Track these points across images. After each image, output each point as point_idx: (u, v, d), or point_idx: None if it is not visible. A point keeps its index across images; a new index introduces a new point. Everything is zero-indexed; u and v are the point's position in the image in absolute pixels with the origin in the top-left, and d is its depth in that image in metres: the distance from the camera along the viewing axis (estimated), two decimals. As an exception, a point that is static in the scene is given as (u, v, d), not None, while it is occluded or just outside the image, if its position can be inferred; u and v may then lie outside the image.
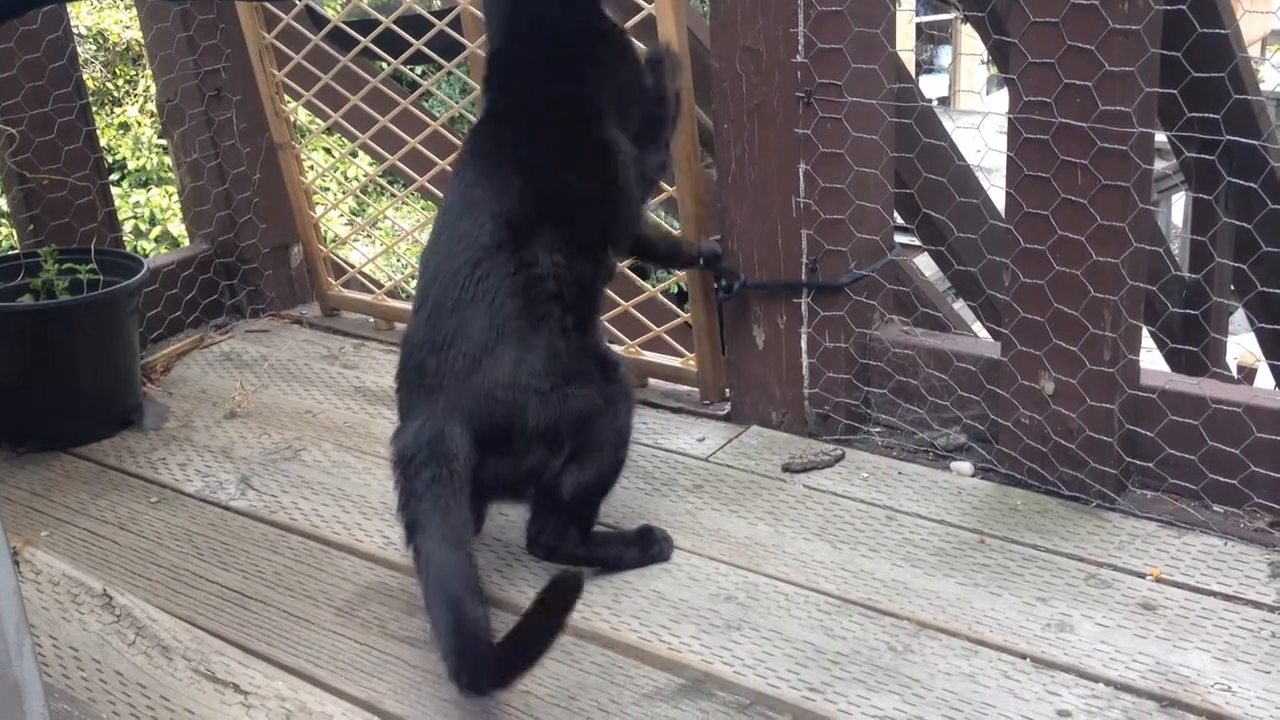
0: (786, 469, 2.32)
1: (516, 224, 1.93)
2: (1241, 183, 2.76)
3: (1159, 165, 2.94)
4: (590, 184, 2.01)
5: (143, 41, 3.27)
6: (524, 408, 1.88)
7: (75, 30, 3.43)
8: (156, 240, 8.05)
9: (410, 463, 1.85)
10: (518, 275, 1.91)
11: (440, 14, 2.71)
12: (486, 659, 1.67)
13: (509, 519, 2.16)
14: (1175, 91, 2.00)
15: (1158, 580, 1.92)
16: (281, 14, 2.88)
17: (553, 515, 2.00)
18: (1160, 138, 2.29)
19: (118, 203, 6.69)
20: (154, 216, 8.12)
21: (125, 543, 2.24)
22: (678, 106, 2.24)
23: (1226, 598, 1.87)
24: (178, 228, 7.76)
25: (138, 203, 8.17)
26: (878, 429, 2.40)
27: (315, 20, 2.94)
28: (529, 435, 1.89)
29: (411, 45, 2.71)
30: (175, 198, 7.63)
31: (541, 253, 1.93)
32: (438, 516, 1.80)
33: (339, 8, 3.04)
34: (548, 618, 1.67)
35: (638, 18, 2.39)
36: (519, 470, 1.92)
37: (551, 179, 1.98)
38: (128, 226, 7.83)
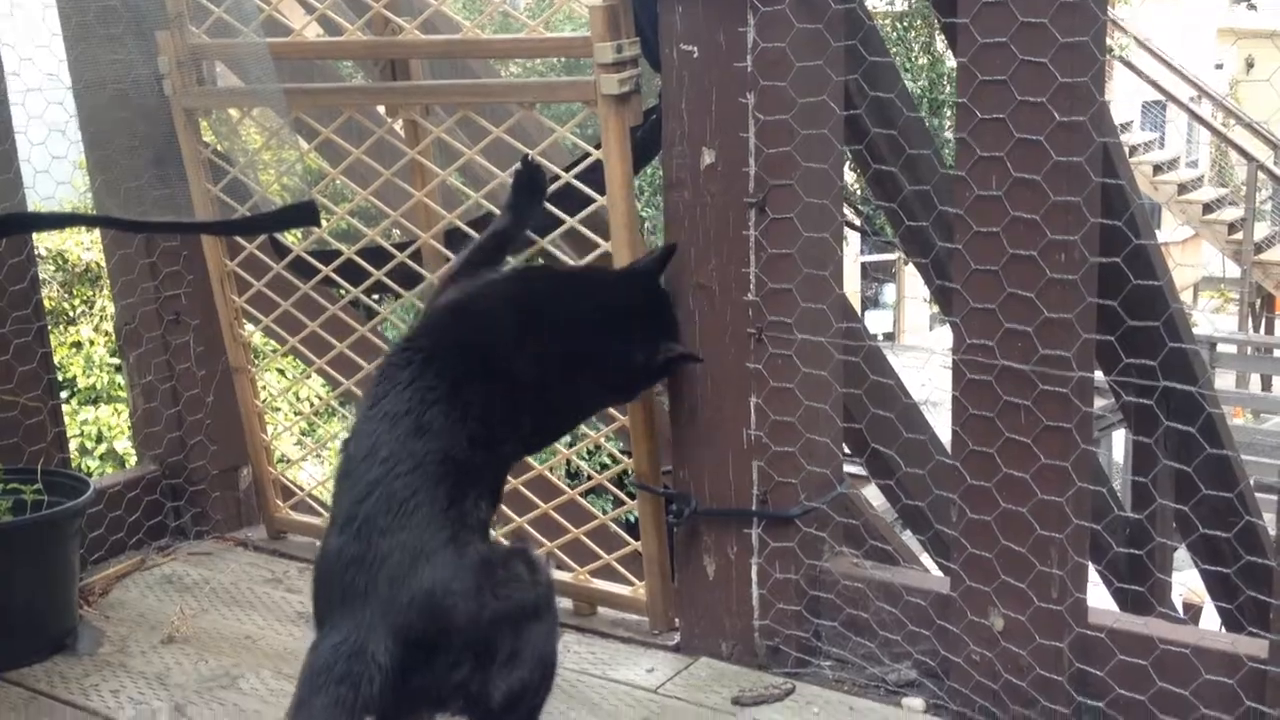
0: (736, 702, 2.29)
1: (467, 482, 1.98)
2: (1179, 427, 2.83)
3: (1099, 403, 3.01)
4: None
5: (103, 264, 3.32)
6: (453, 618, 1.87)
7: (37, 252, 3.48)
8: (101, 458, 7.96)
9: (318, 676, 1.83)
10: (453, 515, 1.94)
11: (401, 246, 2.78)
12: None
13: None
14: (1113, 338, 2.08)
15: (1113, 825, 1.89)
16: (245, 243, 2.94)
17: None
18: (1100, 376, 2.36)
19: (66, 419, 6.65)
20: (101, 434, 8.06)
21: (50, 774, 2.15)
22: None
23: (1182, 845, 1.84)
24: (124, 445, 7.69)
25: (85, 420, 8.11)
26: (828, 662, 2.38)
27: (277, 249, 3.00)
28: (459, 646, 1.88)
29: (371, 274, 2.77)
30: (123, 415, 7.59)
31: (478, 504, 2.00)
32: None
33: (300, 237, 3.11)
34: None
35: (594, 254, 2.46)
36: (448, 682, 1.89)
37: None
38: (74, 444, 7.75)
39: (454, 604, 1.87)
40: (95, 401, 8.33)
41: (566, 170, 2.45)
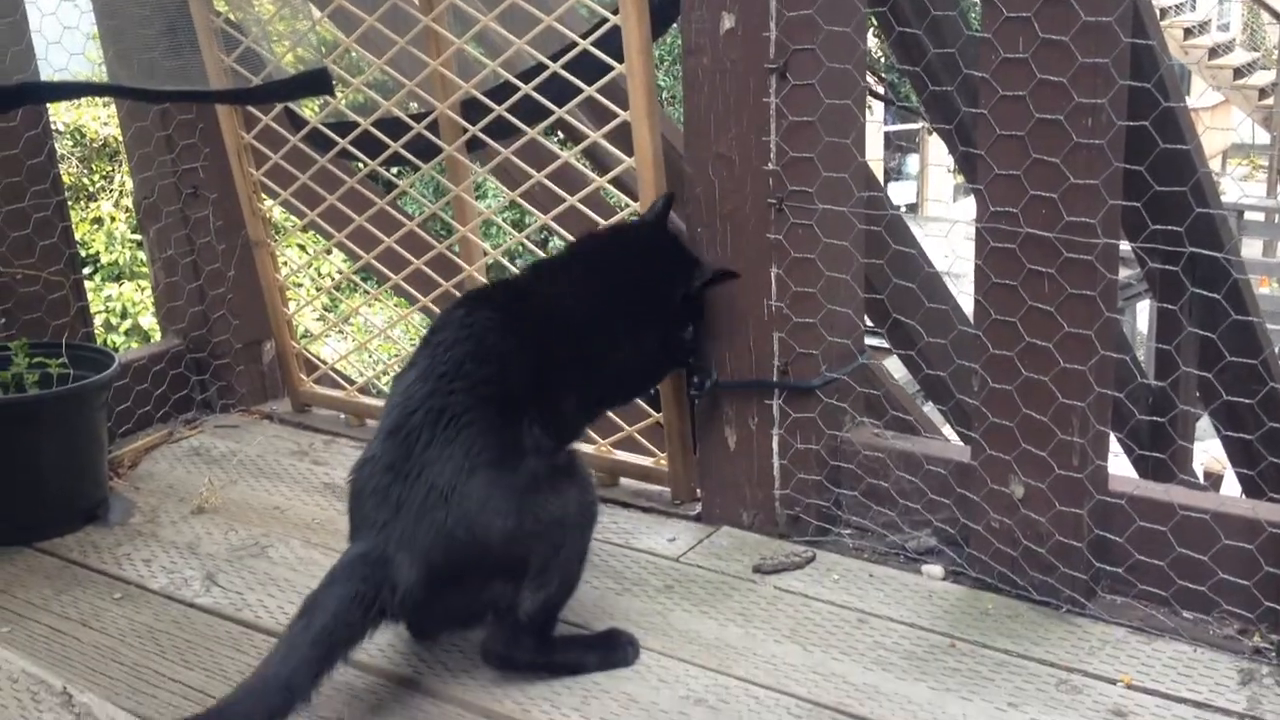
0: (757, 570, 2.32)
1: (522, 409, 1.97)
2: (1205, 293, 2.81)
3: (1124, 273, 2.98)
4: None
5: (120, 138, 3.29)
6: (488, 535, 1.87)
7: (53, 127, 3.46)
8: (127, 334, 8.03)
9: (339, 571, 1.87)
10: (504, 440, 1.93)
11: (418, 117, 2.75)
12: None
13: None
14: (1139, 204, 2.05)
15: (1129, 687, 1.92)
16: (261, 114, 2.92)
17: (506, 627, 1.97)
18: (1125, 247, 2.34)
19: (90, 296, 6.68)
20: (125, 310, 8.12)
21: (87, 640, 2.20)
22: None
23: (1197, 705, 1.87)
24: (149, 321, 7.75)
25: (110, 296, 8.16)
26: (849, 531, 2.40)
27: (294, 121, 2.97)
28: (491, 564, 1.89)
29: (389, 147, 2.74)
30: (147, 292, 7.64)
31: (532, 431, 1.97)
32: (329, 625, 1.81)
33: (317, 109, 3.08)
34: None
35: (612, 124, 2.43)
36: (478, 599, 1.91)
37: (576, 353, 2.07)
38: (99, 320, 7.82)
39: (490, 522, 1.87)
40: (119, 278, 8.38)
41: (584, 37, 2.40)
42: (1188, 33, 13.36)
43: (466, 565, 1.88)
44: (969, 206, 2.19)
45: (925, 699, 1.91)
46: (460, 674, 2.04)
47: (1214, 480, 4.99)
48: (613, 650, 2.05)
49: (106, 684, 2.06)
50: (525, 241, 2.96)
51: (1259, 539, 1.96)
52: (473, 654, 2.09)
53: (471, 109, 2.65)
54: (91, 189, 8.67)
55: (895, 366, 4.60)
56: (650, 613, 2.20)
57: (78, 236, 7.03)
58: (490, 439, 1.90)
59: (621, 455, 2.68)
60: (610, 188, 2.65)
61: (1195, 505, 2.03)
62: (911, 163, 17.98)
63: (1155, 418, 3.65)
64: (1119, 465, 2.35)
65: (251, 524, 2.62)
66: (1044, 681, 1.94)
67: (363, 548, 1.88)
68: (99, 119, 8.66)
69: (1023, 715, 1.86)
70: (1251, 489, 3.66)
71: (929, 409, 4.29)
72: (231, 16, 2.88)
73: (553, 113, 2.52)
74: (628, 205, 2.53)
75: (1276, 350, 3.66)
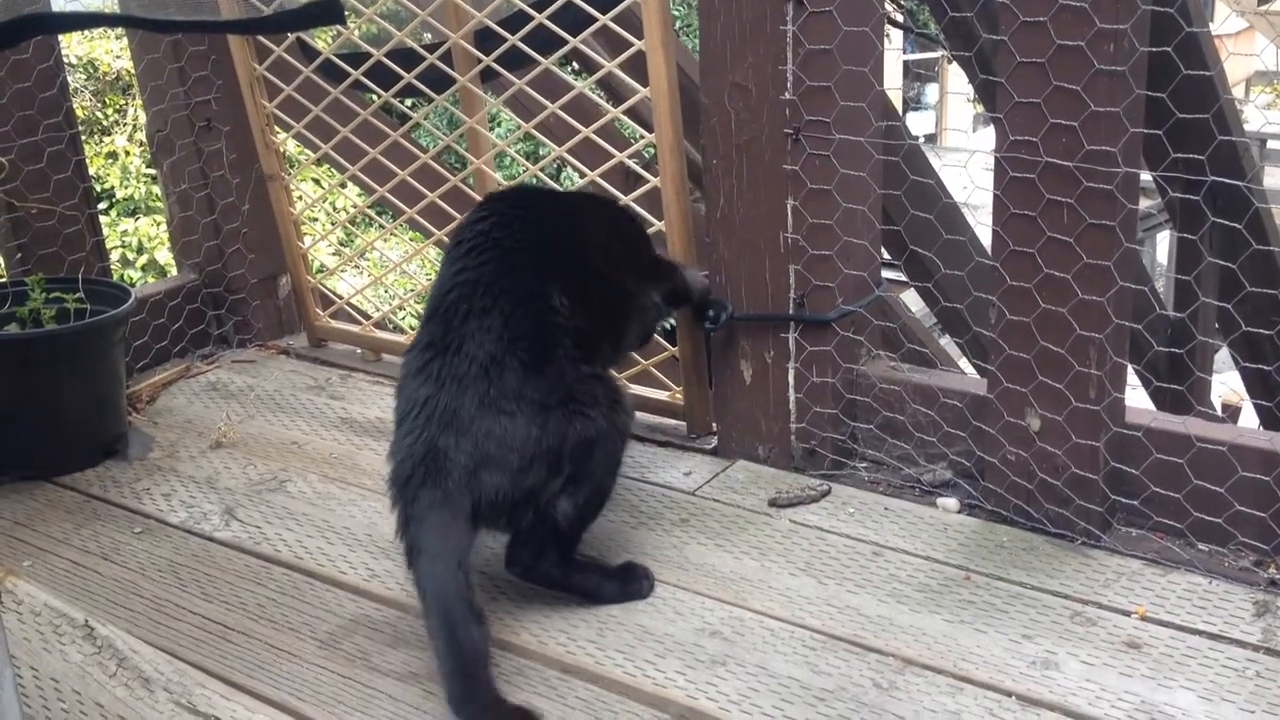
0: (773, 504, 2.32)
1: (549, 277, 1.98)
2: (1226, 223, 2.78)
3: (1144, 204, 2.95)
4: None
5: (133, 71, 3.28)
6: (528, 423, 1.88)
7: (66, 60, 3.43)
8: (143, 269, 8.04)
9: (407, 484, 1.87)
10: (538, 308, 1.94)
11: (431, 48, 2.72)
12: (487, 697, 1.73)
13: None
14: (1160, 132, 2.02)
15: (1143, 619, 1.92)
16: (273, 46, 2.89)
17: (535, 535, 1.99)
18: (1145, 177, 2.31)
19: (105, 231, 6.67)
20: (141, 245, 8.12)
21: (108, 573, 2.23)
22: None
23: (1212, 636, 1.87)
24: (165, 256, 7.76)
25: (125, 231, 8.16)
26: (864, 464, 2.40)
27: (306, 52, 2.95)
28: (531, 453, 1.89)
29: (402, 78, 2.72)
30: (163, 227, 7.64)
31: (561, 301, 1.97)
32: (437, 540, 1.82)
33: (329, 40, 3.04)
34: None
35: (627, 54, 2.40)
36: (518, 488, 1.90)
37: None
38: (115, 255, 7.83)
39: (520, 410, 1.88)
40: (134, 213, 8.38)
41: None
42: (1212, -43, 13.13)
43: (511, 443, 1.88)
44: (988, 137, 2.16)
45: (940, 631, 1.92)
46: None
47: (1232, 413, 4.97)
48: (629, 582, 2.07)
49: (127, 617, 2.08)
50: (539, 174, 2.94)
51: (1276, 471, 1.95)
52: (489, 586, 2.11)
53: (485, 39, 2.62)
54: (105, 123, 8.64)
55: (912, 300, 4.58)
56: (666, 546, 2.21)
57: (92, 171, 7.03)
58: (523, 342, 1.91)
59: (637, 389, 2.68)
60: (625, 118, 2.62)
61: (1212, 437, 2.02)
62: (930, 92, 17.79)
63: (1173, 349, 3.63)
64: (1136, 398, 2.34)
65: (269, 458, 2.64)
66: (1058, 614, 1.94)
67: (409, 441, 1.89)
68: (111, 52, 8.61)
69: (1037, 647, 1.87)
70: (1270, 421, 3.65)
71: (945, 342, 4.27)
72: (241, -54, 2.85)
73: (567, 42, 2.49)
74: (642, 136, 2.51)
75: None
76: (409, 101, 2.87)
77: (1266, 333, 2.73)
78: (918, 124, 16.90)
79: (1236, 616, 1.91)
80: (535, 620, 2.01)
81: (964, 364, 3.82)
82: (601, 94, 3.61)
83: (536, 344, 1.92)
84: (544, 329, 1.95)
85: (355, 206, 4.05)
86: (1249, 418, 4.49)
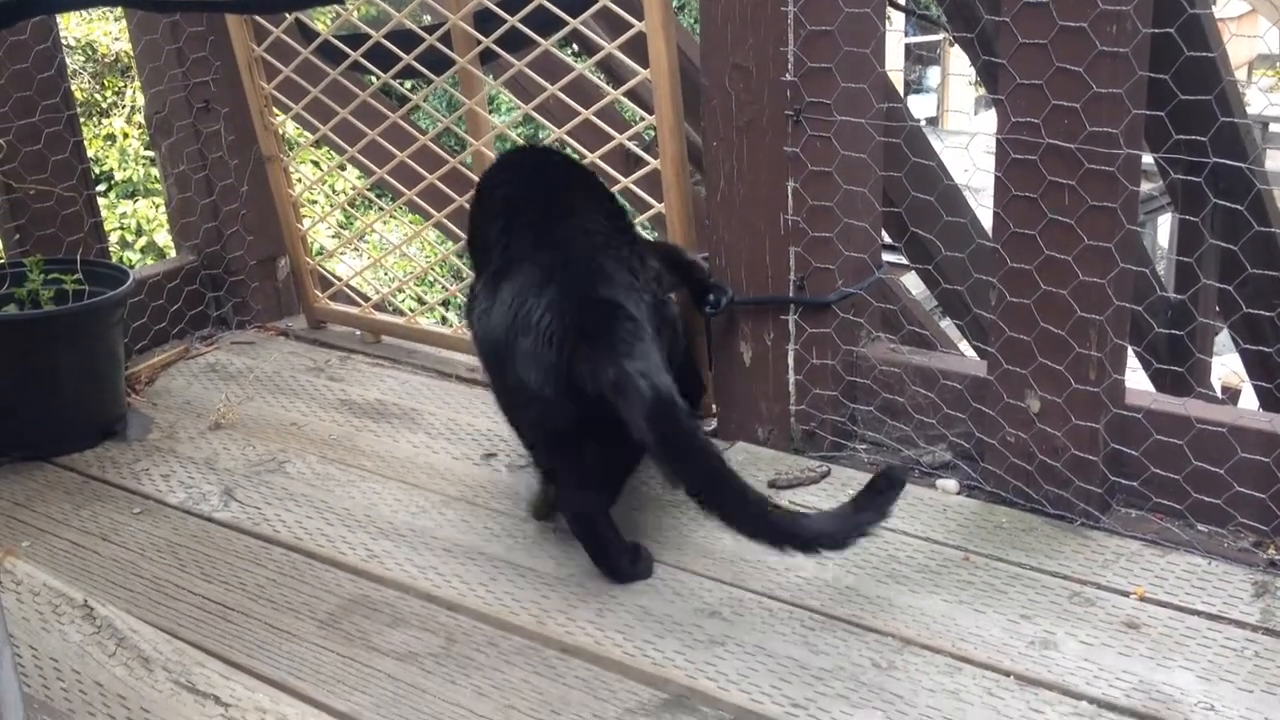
0: (772, 485, 2.32)
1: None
2: (1227, 205, 2.78)
3: (1145, 187, 2.95)
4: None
5: (132, 53, 3.26)
6: (615, 281, 1.99)
7: (64, 41, 3.42)
8: (142, 251, 8.03)
9: (571, 320, 1.92)
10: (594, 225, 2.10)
11: (430, 29, 2.72)
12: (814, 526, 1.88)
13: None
14: (1163, 114, 2.02)
15: (1142, 599, 1.92)
16: (271, 27, 2.88)
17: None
18: (1147, 160, 2.31)
19: (104, 213, 6.65)
20: (140, 227, 8.11)
21: (107, 553, 2.23)
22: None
23: (1210, 617, 1.88)
24: (164, 238, 7.75)
25: (124, 214, 8.15)
26: (864, 446, 2.40)
27: (305, 34, 2.94)
28: (620, 312, 1.94)
29: (401, 60, 2.71)
30: (162, 209, 7.62)
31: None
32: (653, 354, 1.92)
33: (328, 21, 3.03)
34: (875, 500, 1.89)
35: (627, 35, 2.39)
36: (613, 333, 1.94)
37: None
38: (114, 237, 7.82)
39: (613, 271, 2.00)
40: (133, 195, 8.36)
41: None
42: (1215, -61, 13.08)
43: (601, 302, 1.96)
44: (990, 120, 2.16)
45: (939, 612, 1.92)
46: (477, 586, 2.06)
47: (1231, 395, 4.97)
48: (635, 562, 2.07)
49: (127, 597, 2.08)
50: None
51: (1276, 452, 1.95)
52: (488, 566, 2.11)
53: (484, 20, 2.61)
54: (104, 105, 8.62)
55: (912, 282, 4.57)
56: (666, 527, 2.21)
57: (91, 153, 7.02)
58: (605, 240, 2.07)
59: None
60: (625, 100, 2.62)
61: (1212, 418, 2.02)
62: (932, 75, 17.74)
63: (1174, 331, 3.63)
64: (1136, 380, 2.34)
65: (269, 439, 2.64)
66: (1057, 594, 1.95)
67: (529, 296, 1.96)
68: (110, 34, 8.59)
69: (1035, 627, 1.87)
70: (1270, 403, 3.64)
71: (946, 324, 4.27)
72: (240, -74, 2.84)
73: (567, 23, 2.48)
74: (642, 118, 2.50)
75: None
76: (408, 83, 2.86)
77: (1267, 314, 2.73)
78: (920, 107, 16.85)
79: (1235, 597, 1.91)
80: (535, 601, 2.01)
81: (964, 346, 3.82)
82: (601, 76, 3.60)
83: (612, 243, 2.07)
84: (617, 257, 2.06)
85: (354, 188, 4.04)
86: (1249, 400, 4.50)
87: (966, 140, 2.34)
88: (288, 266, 3.24)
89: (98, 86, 8.63)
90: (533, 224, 2.07)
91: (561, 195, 2.14)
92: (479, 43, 2.62)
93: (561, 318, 1.92)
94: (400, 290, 3.49)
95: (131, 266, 4.13)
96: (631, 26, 2.36)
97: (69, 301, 2.62)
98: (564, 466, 2.07)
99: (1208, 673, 1.75)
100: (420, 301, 3.06)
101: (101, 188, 8.05)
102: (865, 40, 2.20)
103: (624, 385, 1.84)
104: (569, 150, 2.63)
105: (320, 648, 1.92)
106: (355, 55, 2.79)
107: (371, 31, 2.78)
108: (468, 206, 2.72)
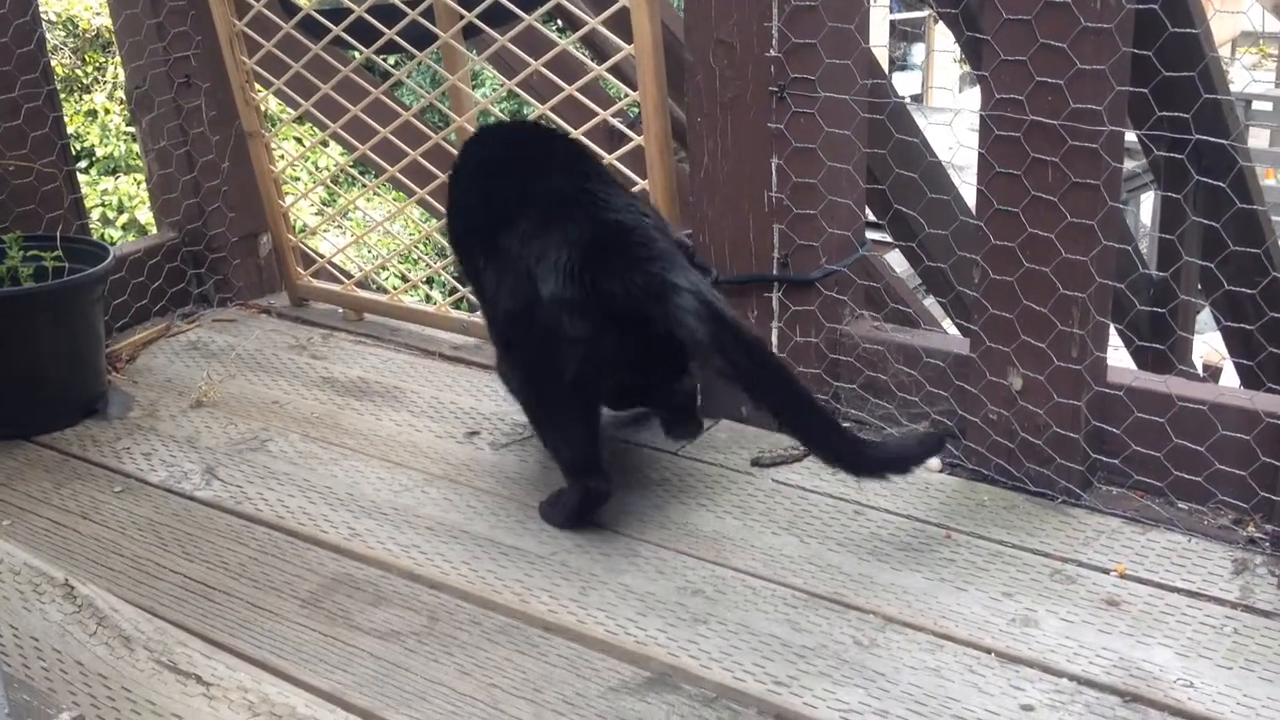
0: (755, 463, 2.32)
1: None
2: (1210, 182, 2.78)
3: (1128, 165, 2.95)
4: None
5: (112, 28, 3.23)
6: (630, 215, 2.03)
7: (44, 16, 3.39)
8: (124, 228, 8.00)
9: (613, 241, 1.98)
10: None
11: (412, 3, 2.69)
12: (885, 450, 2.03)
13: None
14: (1146, 90, 2.01)
15: (1122, 576, 1.93)
16: (252, 1, 2.86)
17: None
18: (1130, 137, 2.31)
19: (85, 190, 6.61)
20: (122, 204, 8.07)
21: (88, 532, 2.22)
22: None
23: (1190, 594, 1.89)
24: (145, 215, 7.71)
25: (105, 190, 8.11)
26: (847, 424, 2.40)
27: (286, 8, 2.91)
28: (634, 240, 1.98)
29: (384, 35, 2.69)
30: (143, 186, 7.58)
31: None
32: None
33: (310, -5, 3.01)
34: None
35: (611, 10, 2.38)
36: (632, 256, 1.97)
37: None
38: (95, 214, 7.78)
39: (609, 197, 2.06)
40: (114, 172, 8.32)
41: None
42: (1200, -85, 13.06)
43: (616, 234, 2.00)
44: (975, 97, 2.15)
45: (920, 589, 1.93)
46: (460, 564, 2.06)
47: (1213, 373, 4.99)
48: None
49: (108, 576, 2.08)
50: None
51: (1256, 429, 1.96)
52: (471, 544, 2.11)
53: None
54: (85, 80, 8.56)
55: (896, 260, 4.57)
56: (648, 506, 2.21)
57: (72, 129, 6.96)
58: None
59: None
60: (609, 76, 2.60)
61: (1193, 396, 2.03)
62: (917, 52, 17.70)
63: (1156, 309, 3.63)
64: (1118, 357, 2.34)
65: (251, 418, 2.63)
66: (1038, 571, 1.95)
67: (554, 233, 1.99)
68: (91, 9, 8.52)
69: (1016, 605, 1.88)
70: (1250, 380, 3.65)
71: (929, 302, 4.27)
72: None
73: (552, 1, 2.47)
74: (626, 94, 2.49)
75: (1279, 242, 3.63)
76: (391, 59, 2.84)
77: (1249, 292, 2.74)
78: (904, 84, 16.82)
79: (1215, 574, 1.92)
80: (518, 579, 2.01)
81: (947, 324, 3.82)
82: (585, 51, 3.58)
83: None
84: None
85: (337, 165, 4.02)
86: (1230, 377, 4.51)
87: (950, 117, 2.33)
88: (270, 243, 3.22)
89: (79, 62, 8.56)
90: (521, 183, 2.12)
91: (547, 158, 2.18)
92: (462, 17, 2.60)
93: (575, 247, 1.96)
94: (383, 267, 3.48)
95: (113, 243, 4.10)
96: (615, 1, 2.35)
97: (49, 279, 2.60)
98: (591, 419, 2.13)
99: (1187, 649, 1.76)
100: (403, 279, 3.04)
101: (83, 164, 8.00)
102: (849, 16, 2.19)
103: (656, 289, 1.88)
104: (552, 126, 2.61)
105: (302, 626, 1.92)
106: (337, 30, 2.77)
107: (354, 6, 2.76)
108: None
